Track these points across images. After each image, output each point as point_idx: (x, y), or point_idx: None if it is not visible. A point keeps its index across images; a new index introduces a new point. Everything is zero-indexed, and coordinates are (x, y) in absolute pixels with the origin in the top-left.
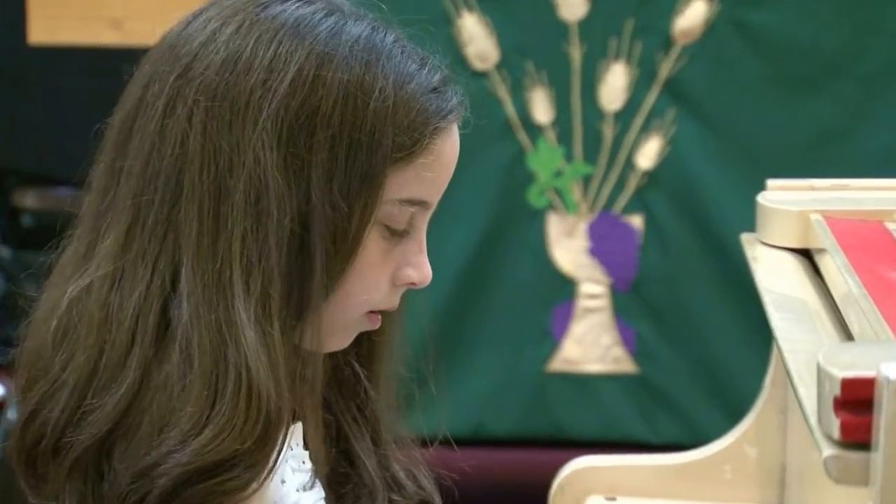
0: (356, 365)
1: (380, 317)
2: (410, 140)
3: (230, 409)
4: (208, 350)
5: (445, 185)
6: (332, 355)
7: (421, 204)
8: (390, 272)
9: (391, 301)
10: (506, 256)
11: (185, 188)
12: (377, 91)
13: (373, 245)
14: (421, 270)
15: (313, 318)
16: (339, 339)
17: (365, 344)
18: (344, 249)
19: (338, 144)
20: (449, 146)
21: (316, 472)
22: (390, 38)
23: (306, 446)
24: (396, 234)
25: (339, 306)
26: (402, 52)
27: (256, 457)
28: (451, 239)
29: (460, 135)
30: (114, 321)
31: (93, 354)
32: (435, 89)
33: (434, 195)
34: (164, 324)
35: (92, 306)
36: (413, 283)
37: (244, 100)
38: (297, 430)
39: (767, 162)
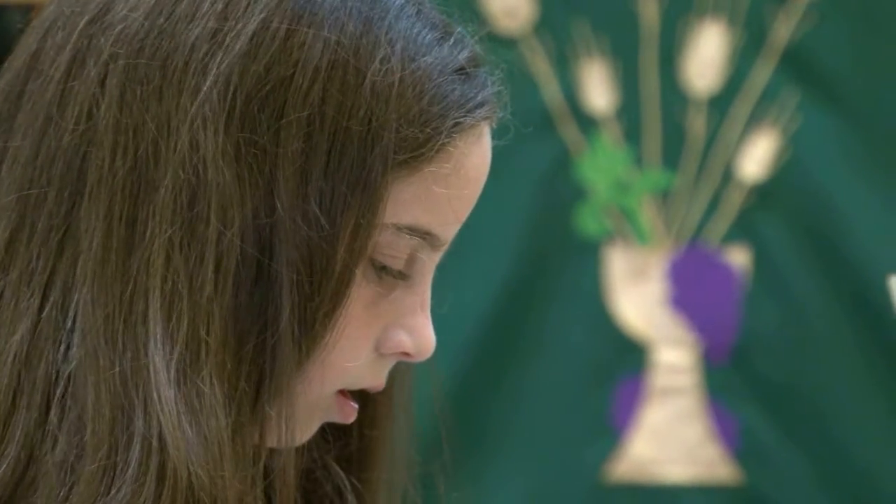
0: (338, 471)
1: (354, 405)
2: (421, 135)
3: (132, 497)
4: (106, 415)
5: (464, 215)
6: (304, 456)
7: (426, 237)
8: (375, 334)
9: (373, 377)
10: (545, 309)
11: (89, 180)
12: (378, 61)
13: (357, 290)
14: (419, 336)
15: (280, 391)
16: (303, 427)
17: (354, 439)
18: (327, 288)
19: (318, 132)
20: (475, 155)
21: None
22: None
23: None
24: (389, 277)
25: (310, 378)
26: (417, 14)
27: None
28: (466, 285)
29: None
30: None
31: None
32: (461, 70)
33: (447, 226)
34: (61, 377)
35: None
36: (407, 354)
37: (182, 57)
38: None
39: None
